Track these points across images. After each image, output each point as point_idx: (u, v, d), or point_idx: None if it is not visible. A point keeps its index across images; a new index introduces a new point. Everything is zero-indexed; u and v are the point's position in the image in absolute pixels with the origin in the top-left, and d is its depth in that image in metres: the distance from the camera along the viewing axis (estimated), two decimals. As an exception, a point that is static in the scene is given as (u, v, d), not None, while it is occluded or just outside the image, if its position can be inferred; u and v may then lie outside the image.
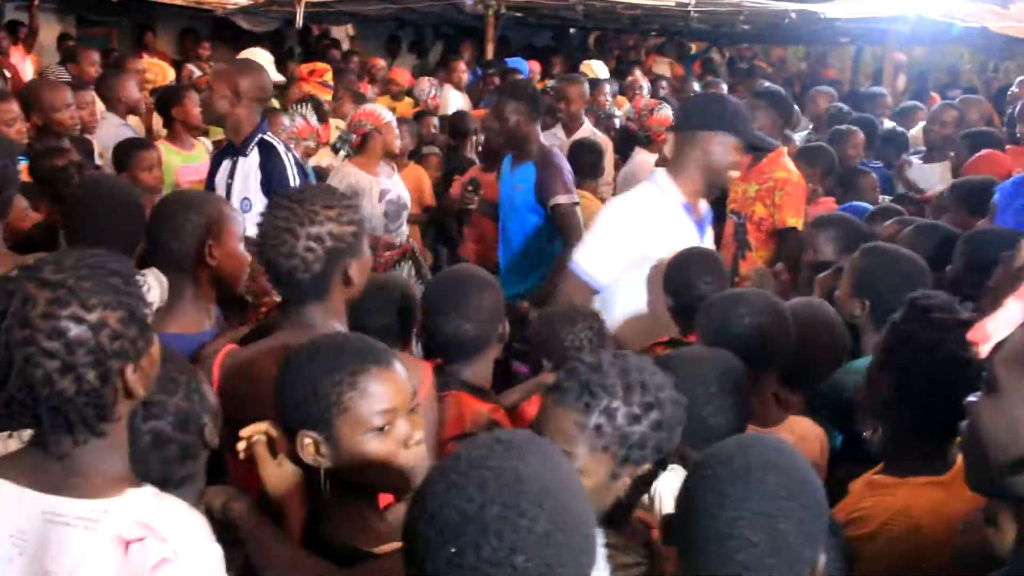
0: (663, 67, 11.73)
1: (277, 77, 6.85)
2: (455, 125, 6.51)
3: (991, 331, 1.76)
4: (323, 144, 5.25)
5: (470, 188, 5.02)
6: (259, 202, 3.69)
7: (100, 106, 5.36)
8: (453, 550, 1.12)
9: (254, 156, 3.76)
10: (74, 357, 1.38)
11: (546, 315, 2.83)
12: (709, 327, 2.49)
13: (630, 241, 3.00)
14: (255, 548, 1.67)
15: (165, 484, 1.58)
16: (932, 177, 5.50)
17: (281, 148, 3.78)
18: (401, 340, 2.61)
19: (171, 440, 1.74)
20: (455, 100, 8.20)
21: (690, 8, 10.03)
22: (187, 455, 1.76)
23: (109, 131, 5.15)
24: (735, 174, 3.12)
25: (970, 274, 2.93)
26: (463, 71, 8.05)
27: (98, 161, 4.84)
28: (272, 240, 2.00)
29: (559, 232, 4.33)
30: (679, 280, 2.87)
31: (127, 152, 4.33)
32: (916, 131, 6.65)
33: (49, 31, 9.91)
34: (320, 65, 6.78)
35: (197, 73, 8.79)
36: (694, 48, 13.90)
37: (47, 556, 1.41)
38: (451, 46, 12.02)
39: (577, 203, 4.38)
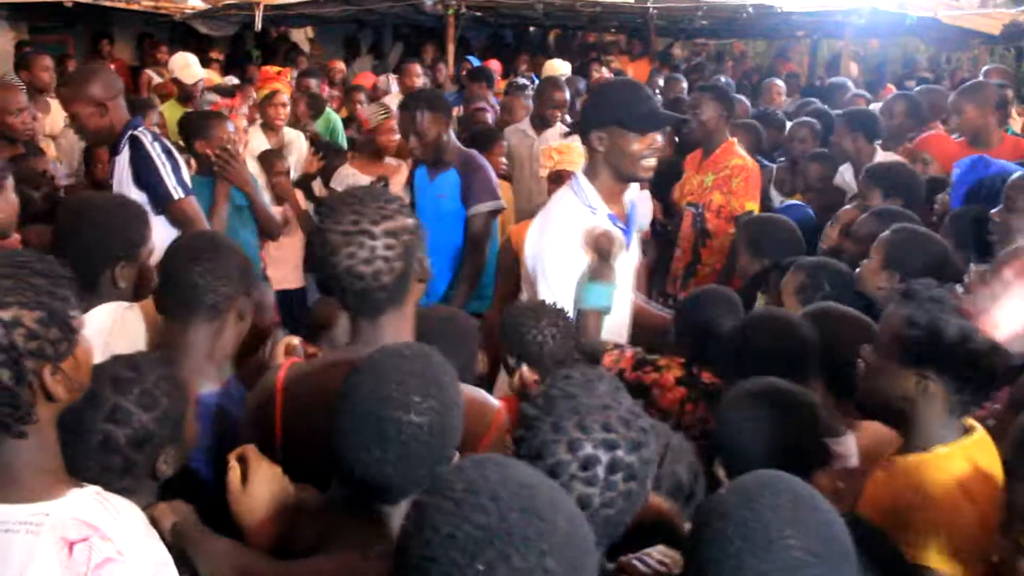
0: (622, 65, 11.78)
1: (199, 73, 6.78)
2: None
3: (1000, 321, 1.82)
4: (236, 110, 5.19)
5: (381, 185, 4.48)
6: (133, 196, 3.43)
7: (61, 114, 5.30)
8: (480, 567, 1.08)
9: (126, 152, 3.64)
10: None
11: (512, 311, 2.83)
12: (730, 356, 2.50)
13: (576, 273, 2.93)
14: (198, 552, 1.64)
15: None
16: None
17: (147, 138, 3.62)
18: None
19: (118, 451, 1.71)
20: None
21: (649, 4, 10.11)
22: (128, 471, 1.73)
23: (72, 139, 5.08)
24: (650, 162, 2.94)
25: (959, 253, 3.13)
26: (418, 75, 7.75)
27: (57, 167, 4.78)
28: (346, 248, 1.76)
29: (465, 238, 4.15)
30: (698, 323, 2.84)
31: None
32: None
33: (2, 38, 9.76)
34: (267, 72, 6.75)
35: (156, 79, 8.73)
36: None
37: None
38: (410, 47, 12.02)
39: (501, 208, 4.27)
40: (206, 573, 1.61)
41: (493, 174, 4.33)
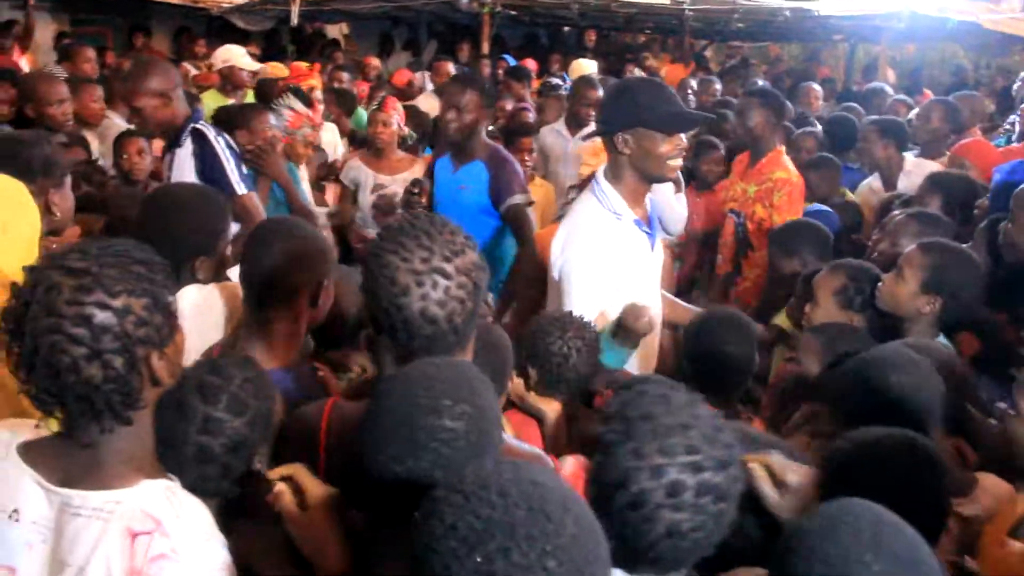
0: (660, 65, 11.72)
1: (253, 65, 6.81)
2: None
3: None
4: (319, 127, 5.19)
5: (415, 191, 4.27)
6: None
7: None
8: (479, 559, 1.07)
9: (188, 145, 3.64)
10: (100, 343, 1.38)
11: (537, 320, 2.73)
12: (851, 400, 2.19)
13: (611, 283, 2.87)
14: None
15: (194, 492, 1.56)
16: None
17: (211, 132, 3.63)
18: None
19: (215, 460, 1.70)
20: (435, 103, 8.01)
21: (685, 6, 10.07)
22: (226, 476, 1.73)
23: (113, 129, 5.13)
24: (676, 162, 2.88)
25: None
26: (449, 72, 7.66)
27: (98, 158, 4.84)
28: (419, 289, 1.61)
29: (512, 233, 4.11)
30: (701, 346, 2.76)
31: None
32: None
33: (43, 30, 9.88)
34: (300, 68, 6.73)
35: (193, 71, 8.79)
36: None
37: (63, 546, 1.42)
38: (445, 44, 12.04)
39: (532, 202, 4.24)
40: None
41: (519, 168, 4.29)
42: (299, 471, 1.64)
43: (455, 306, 1.63)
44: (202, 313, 2.40)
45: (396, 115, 5.05)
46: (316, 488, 1.61)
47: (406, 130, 5.23)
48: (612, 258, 2.87)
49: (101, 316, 1.38)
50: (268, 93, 5.93)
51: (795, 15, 9.93)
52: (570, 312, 2.75)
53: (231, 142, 3.71)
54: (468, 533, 1.09)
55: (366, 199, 4.87)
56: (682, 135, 2.88)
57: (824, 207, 4.58)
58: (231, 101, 6.23)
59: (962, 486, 2.05)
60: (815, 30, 11.64)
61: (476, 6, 10.17)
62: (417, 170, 4.85)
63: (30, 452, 1.49)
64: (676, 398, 1.48)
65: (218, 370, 1.76)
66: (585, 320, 2.71)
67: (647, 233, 2.98)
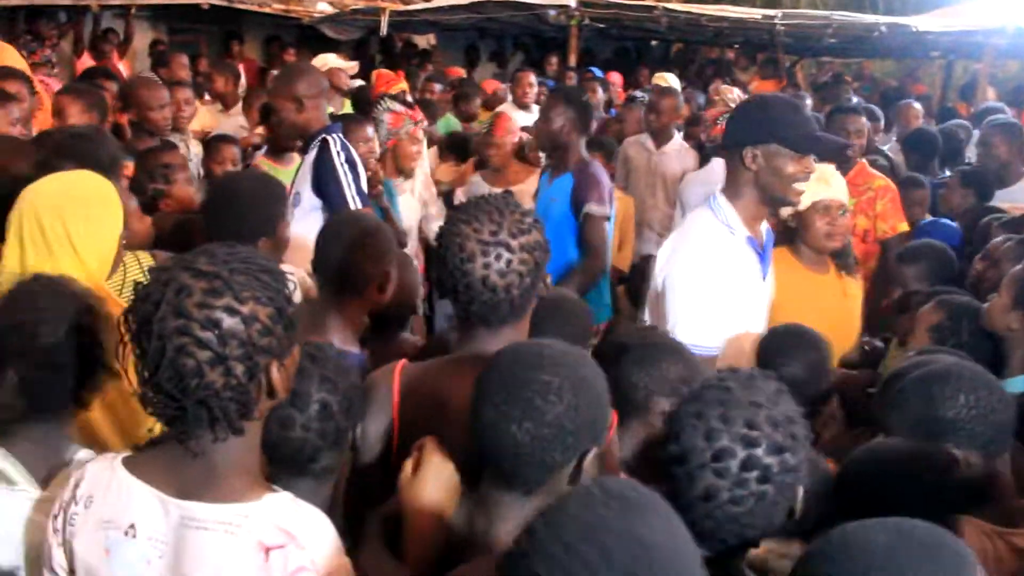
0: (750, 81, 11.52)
1: (349, 64, 6.89)
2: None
3: None
4: (421, 123, 5.20)
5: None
6: (308, 197, 3.66)
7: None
8: None
9: (312, 153, 3.71)
10: (226, 348, 1.36)
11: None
12: (911, 417, 2.10)
13: (718, 297, 2.71)
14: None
15: (302, 474, 1.58)
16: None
17: (335, 145, 3.68)
18: None
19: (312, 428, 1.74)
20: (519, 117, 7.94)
21: (776, 21, 9.88)
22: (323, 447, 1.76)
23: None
24: (802, 187, 2.75)
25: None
26: (531, 84, 7.54)
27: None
28: (482, 258, 1.76)
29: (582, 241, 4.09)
30: (767, 362, 2.60)
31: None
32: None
33: (142, 38, 10.17)
34: (388, 74, 6.77)
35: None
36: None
37: (186, 561, 1.39)
38: (531, 57, 12.05)
39: (608, 217, 4.18)
40: None
41: (608, 185, 4.25)
42: (428, 440, 1.68)
43: (514, 279, 1.79)
44: None
45: (509, 134, 5.17)
46: (432, 456, 1.65)
47: (526, 136, 5.29)
48: (721, 272, 2.71)
49: (229, 321, 1.37)
50: (365, 99, 6.02)
51: (891, 30, 9.67)
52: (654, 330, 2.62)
53: (354, 157, 3.76)
54: None
55: None
56: (812, 160, 2.73)
57: (946, 220, 4.46)
58: (331, 108, 6.28)
59: (1013, 514, 1.96)
60: (911, 46, 11.33)
61: (563, 19, 10.15)
62: (533, 181, 4.89)
63: (139, 466, 1.47)
64: (760, 382, 1.55)
65: (309, 354, 1.76)
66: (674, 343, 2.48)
67: (759, 256, 2.82)
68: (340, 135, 3.77)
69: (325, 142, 3.69)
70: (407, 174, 4.90)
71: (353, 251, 2.44)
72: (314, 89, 3.74)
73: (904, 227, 4.42)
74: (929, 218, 4.71)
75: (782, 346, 2.67)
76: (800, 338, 2.72)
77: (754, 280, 2.82)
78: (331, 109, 6.40)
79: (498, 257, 1.77)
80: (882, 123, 7.26)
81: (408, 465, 1.67)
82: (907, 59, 14.37)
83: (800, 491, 1.54)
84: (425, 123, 5.37)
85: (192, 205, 3.57)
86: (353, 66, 6.89)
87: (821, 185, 3.18)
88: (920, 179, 5.15)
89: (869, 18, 10.42)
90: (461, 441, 1.63)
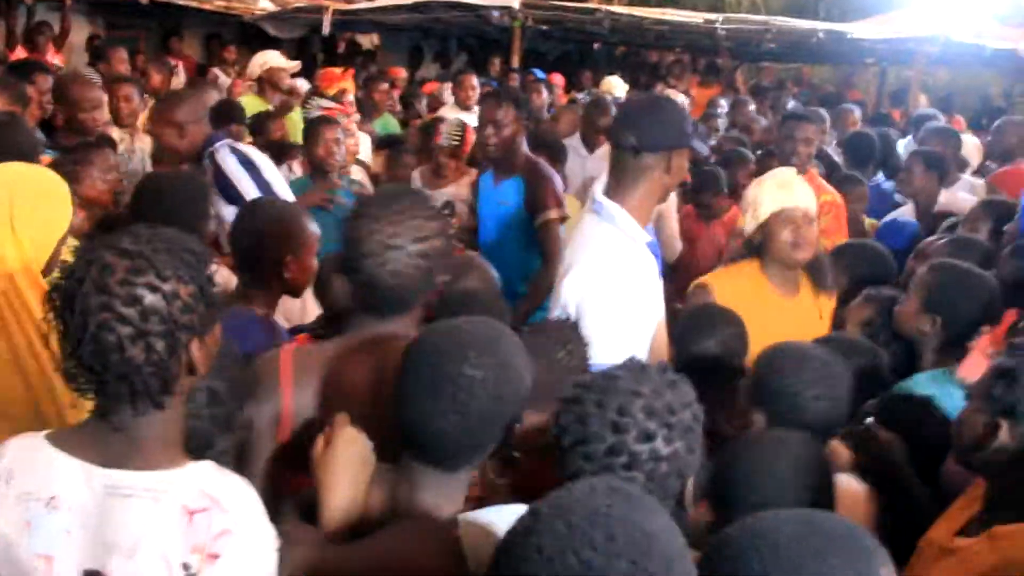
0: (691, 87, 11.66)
1: (292, 64, 6.74)
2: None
3: None
4: (351, 117, 5.20)
5: (447, 212, 4.22)
6: (223, 209, 3.64)
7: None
8: None
9: (209, 172, 3.72)
10: (147, 324, 1.40)
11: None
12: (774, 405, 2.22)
13: (634, 314, 2.65)
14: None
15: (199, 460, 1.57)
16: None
17: (222, 153, 3.70)
18: None
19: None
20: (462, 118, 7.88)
21: (717, 25, 10.03)
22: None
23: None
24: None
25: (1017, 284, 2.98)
26: (474, 86, 7.43)
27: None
28: (377, 257, 1.90)
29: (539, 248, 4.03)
30: (688, 339, 2.67)
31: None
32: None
33: (79, 32, 9.97)
34: (332, 72, 6.75)
35: (222, 77, 8.85)
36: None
37: (109, 528, 1.42)
38: (475, 57, 12.06)
39: (566, 217, 4.09)
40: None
41: (560, 183, 4.24)
42: (338, 416, 1.74)
43: (405, 280, 1.91)
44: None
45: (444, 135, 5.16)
46: (343, 429, 1.71)
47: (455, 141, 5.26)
48: (634, 288, 2.65)
49: (151, 298, 1.41)
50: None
51: (828, 37, 9.87)
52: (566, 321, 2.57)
53: (248, 155, 3.75)
54: (563, 570, 1.06)
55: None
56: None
57: (909, 218, 4.52)
58: (270, 106, 6.24)
59: None
60: (847, 52, 11.59)
61: (507, 20, 10.19)
62: (464, 183, 4.89)
63: (63, 440, 1.49)
64: (652, 373, 1.59)
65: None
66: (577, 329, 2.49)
67: (657, 257, 2.79)
68: (227, 142, 3.78)
69: (212, 155, 3.73)
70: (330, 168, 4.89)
71: (255, 235, 2.59)
72: (194, 115, 3.76)
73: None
74: (890, 218, 4.78)
75: (695, 325, 2.70)
76: (712, 316, 2.74)
77: (656, 281, 2.78)
78: (270, 106, 6.39)
79: (394, 259, 1.89)
80: (828, 125, 7.45)
81: (320, 441, 1.72)
82: (843, 65, 14.69)
83: (686, 481, 1.58)
84: (357, 117, 5.34)
85: (103, 204, 3.45)
86: (295, 65, 6.83)
87: (783, 192, 3.03)
88: (858, 176, 5.29)
89: (807, 24, 10.62)
90: (366, 418, 1.73)
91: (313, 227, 2.71)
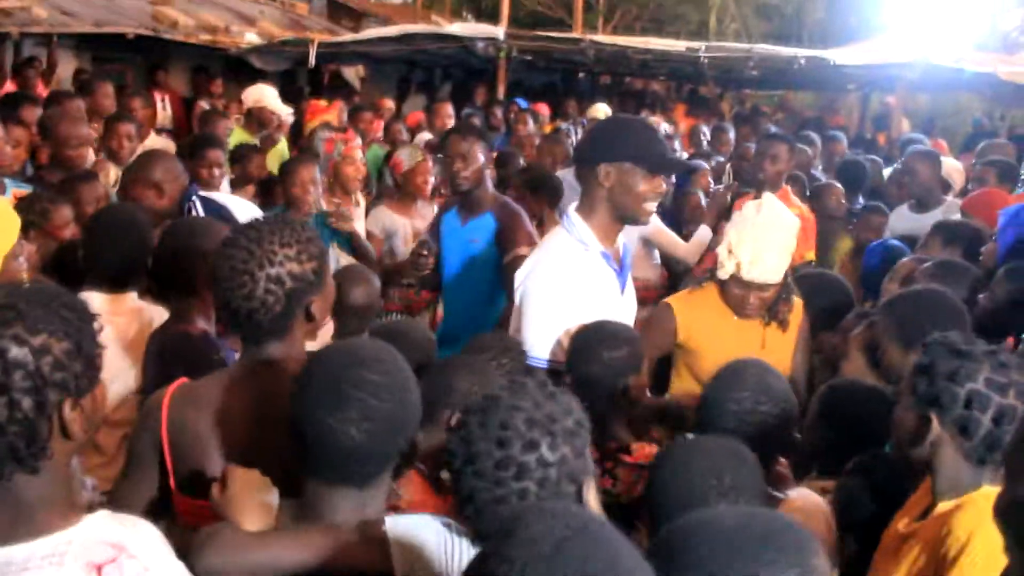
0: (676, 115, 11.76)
1: (284, 109, 6.93)
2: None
3: None
4: (352, 139, 5.21)
5: (424, 252, 4.06)
6: None
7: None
8: None
9: None
10: (10, 379, 1.31)
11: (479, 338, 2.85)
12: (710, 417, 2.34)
13: (569, 312, 2.76)
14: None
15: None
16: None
17: (196, 207, 3.56)
18: None
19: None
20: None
21: (700, 54, 10.13)
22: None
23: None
24: (651, 206, 2.84)
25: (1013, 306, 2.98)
26: (449, 115, 7.57)
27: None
28: (229, 283, 1.90)
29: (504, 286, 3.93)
30: (580, 352, 2.66)
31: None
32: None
33: (66, 67, 10.00)
34: (317, 104, 6.85)
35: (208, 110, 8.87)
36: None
37: None
38: (461, 88, 12.13)
39: None
40: (216, 565, 1.62)
41: (528, 221, 4.23)
42: (229, 467, 1.76)
43: (257, 305, 1.88)
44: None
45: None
46: (235, 471, 1.73)
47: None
48: (574, 287, 2.78)
49: (15, 351, 1.32)
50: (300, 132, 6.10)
51: (810, 63, 9.97)
52: (504, 335, 2.80)
53: (223, 205, 3.66)
54: None
55: (407, 244, 4.82)
56: (663, 181, 2.85)
57: (896, 242, 4.54)
58: (255, 139, 6.29)
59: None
60: (830, 79, 11.70)
61: (492, 50, 10.26)
62: (429, 211, 4.90)
63: None
64: (531, 387, 1.62)
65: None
66: (519, 347, 2.75)
67: (616, 271, 2.89)
68: (196, 195, 3.66)
69: (189, 210, 3.61)
70: (351, 192, 4.93)
71: (182, 254, 2.61)
72: (171, 173, 3.70)
73: (811, 255, 4.58)
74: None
75: (583, 345, 2.67)
76: (602, 337, 2.68)
77: (611, 294, 2.87)
78: (255, 139, 6.43)
79: (242, 285, 1.88)
80: (818, 149, 7.57)
81: (215, 488, 1.73)
82: (826, 91, 14.84)
83: (583, 487, 1.58)
84: (359, 141, 5.36)
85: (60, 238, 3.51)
86: (287, 112, 6.94)
87: (756, 266, 3.08)
88: (881, 207, 5.35)
89: (789, 51, 10.73)
90: (257, 448, 1.78)
91: None
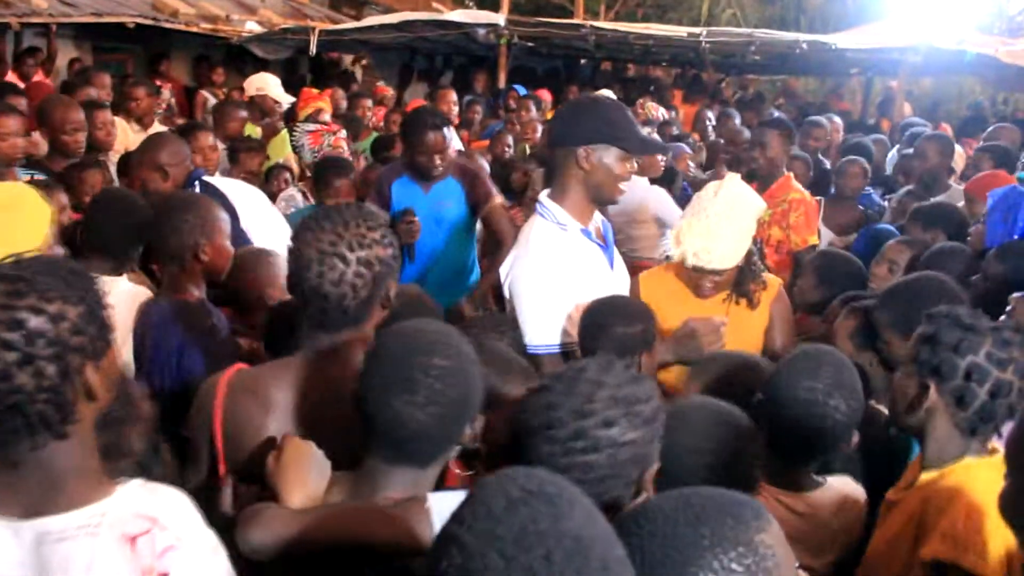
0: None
1: (286, 98, 6.96)
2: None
3: None
4: (338, 131, 5.24)
5: (410, 220, 4.13)
6: None
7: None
8: None
9: None
10: (33, 348, 1.33)
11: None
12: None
13: (558, 294, 2.75)
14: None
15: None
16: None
17: (197, 189, 3.67)
18: None
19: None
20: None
21: (701, 39, 10.09)
22: None
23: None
24: (625, 186, 2.82)
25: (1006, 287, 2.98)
26: (453, 101, 7.62)
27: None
28: (319, 267, 1.86)
29: (493, 234, 4.28)
30: (592, 328, 2.63)
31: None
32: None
33: (67, 57, 10.00)
34: (309, 92, 6.87)
35: (211, 99, 8.87)
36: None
37: None
38: (463, 75, 12.12)
39: (507, 205, 4.38)
40: (260, 540, 1.63)
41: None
42: (286, 436, 1.78)
43: (347, 290, 1.87)
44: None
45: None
46: (291, 440, 1.76)
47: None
48: (560, 267, 2.77)
49: (35, 321, 1.34)
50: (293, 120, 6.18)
51: (812, 48, 9.93)
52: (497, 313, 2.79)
53: (219, 187, 3.73)
54: None
55: None
56: (635, 162, 2.84)
57: (885, 226, 4.58)
58: (257, 127, 6.31)
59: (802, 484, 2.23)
60: (831, 63, 11.65)
61: (493, 37, 10.24)
62: None
63: None
64: (616, 366, 1.65)
65: None
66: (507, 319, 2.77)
67: (600, 246, 2.88)
68: (200, 179, 3.76)
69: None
70: None
71: (168, 227, 2.75)
72: (176, 157, 3.74)
73: (814, 240, 4.57)
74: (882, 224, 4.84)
75: (596, 321, 2.64)
76: (616, 312, 2.66)
77: (599, 269, 2.87)
78: (257, 128, 6.44)
79: (332, 268, 1.85)
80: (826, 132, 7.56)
81: (271, 457, 1.74)
82: (828, 76, 14.78)
83: (648, 469, 1.62)
84: (344, 134, 5.38)
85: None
86: (291, 101, 6.98)
87: (702, 255, 3.02)
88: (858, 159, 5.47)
89: (790, 36, 10.69)
90: (322, 433, 1.77)
91: (221, 212, 2.86)
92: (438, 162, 4.15)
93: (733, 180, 3.14)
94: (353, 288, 1.87)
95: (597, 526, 1.12)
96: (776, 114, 8.32)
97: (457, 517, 1.10)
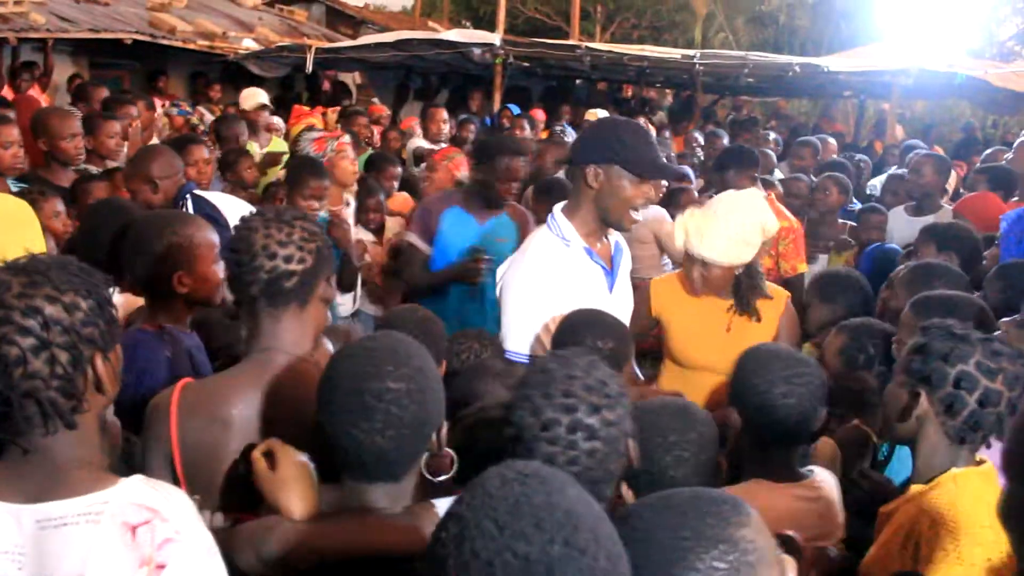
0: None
1: (274, 120, 7.06)
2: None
3: None
4: (341, 137, 5.27)
5: (485, 259, 3.87)
6: None
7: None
8: None
9: None
10: (49, 335, 1.40)
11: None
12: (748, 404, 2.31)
13: (546, 307, 2.76)
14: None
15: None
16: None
17: (187, 206, 3.65)
18: None
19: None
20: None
21: (695, 61, 10.17)
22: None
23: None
24: (637, 215, 2.80)
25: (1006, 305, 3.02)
26: (444, 120, 7.66)
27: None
28: (262, 241, 1.92)
29: None
30: (565, 338, 2.61)
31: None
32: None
33: (64, 73, 10.05)
34: (300, 109, 6.98)
35: (208, 116, 8.91)
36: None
37: (49, 562, 1.39)
38: (459, 94, 12.18)
39: None
40: (273, 551, 1.64)
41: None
42: (273, 442, 1.77)
43: (283, 266, 1.92)
44: None
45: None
46: (285, 451, 1.75)
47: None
48: (552, 281, 2.78)
49: (51, 309, 1.41)
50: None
51: (805, 70, 10.01)
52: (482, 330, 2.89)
53: (211, 200, 3.72)
54: (506, 572, 1.06)
55: None
56: (651, 188, 2.82)
57: (892, 245, 4.58)
58: (256, 145, 6.37)
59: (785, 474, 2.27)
60: (824, 86, 11.74)
61: (488, 57, 10.30)
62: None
63: None
64: (574, 357, 1.70)
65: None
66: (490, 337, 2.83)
67: (604, 269, 2.88)
68: (190, 193, 3.74)
69: (183, 207, 3.69)
70: (346, 186, 4.90)
71: (142, 256, 2.52)
72: (168, 170, 3.74)
73: (803, 268, 4.54)
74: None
75: (570, 329, 2.63)
76: (591, 324, 2.64)
77: (596, 290, 2.85)
78: (256, 146, 6.48)
79: (275, 252, 1.92)
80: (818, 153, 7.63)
81: (261, 462, 1.74)
82: (821, 98, 14.88)
83: (631, 442, 1.69)
84: (347, 138, 5.41)
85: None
86: (279, 125, 7.06)
87: (728, 249, 3.07)
88: (878, 207, 5.40)
89: (783, 58, 10.78)
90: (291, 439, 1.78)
91: (204, 235, 2.57)
92: (515, 190, 4.02)
93: (750, 190, 3.23)
94: (292, 261, 1.92)
95: (589, 505, 1.16)
96: (771, 135, 8.43)
97: (458, 499, 1.16)
